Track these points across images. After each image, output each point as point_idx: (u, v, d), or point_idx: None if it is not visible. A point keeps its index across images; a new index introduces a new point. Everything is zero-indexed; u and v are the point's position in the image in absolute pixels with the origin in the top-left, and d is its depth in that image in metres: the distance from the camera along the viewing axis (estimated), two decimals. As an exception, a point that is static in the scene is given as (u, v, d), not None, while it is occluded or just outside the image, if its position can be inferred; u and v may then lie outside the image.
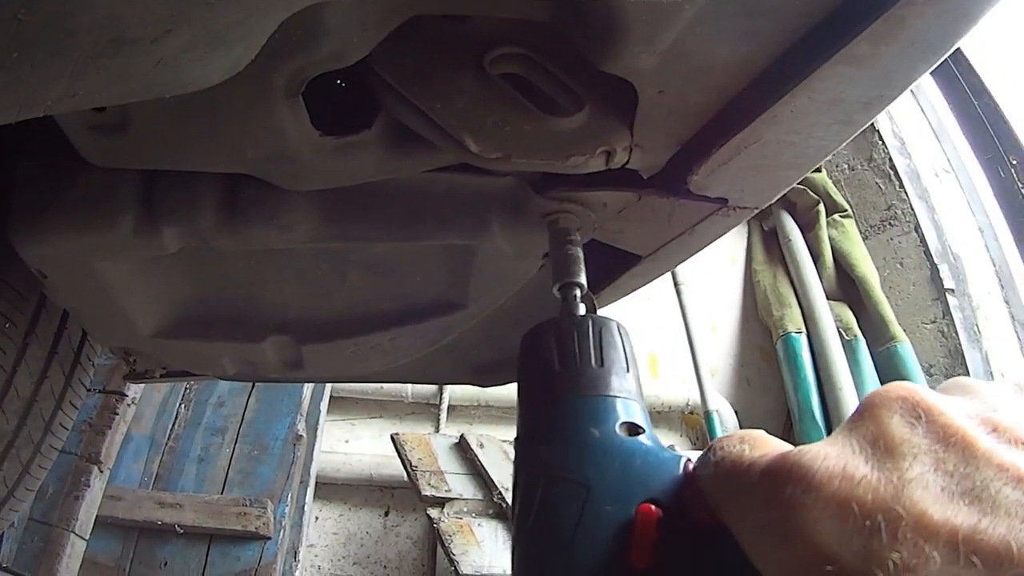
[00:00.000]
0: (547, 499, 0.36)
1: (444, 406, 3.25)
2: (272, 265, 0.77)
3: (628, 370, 0.42)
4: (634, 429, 0.38)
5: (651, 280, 0.78)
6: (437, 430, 3.23)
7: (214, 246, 0.64)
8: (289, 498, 2.51)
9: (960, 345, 2.94)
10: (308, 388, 2.72)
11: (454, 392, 3.24)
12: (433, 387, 3.23)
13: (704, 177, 0.56)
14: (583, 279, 0.54)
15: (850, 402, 2.82)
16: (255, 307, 0.83)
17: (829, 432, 1.67)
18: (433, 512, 2.66)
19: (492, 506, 2.74)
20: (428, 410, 3.34)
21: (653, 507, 0.33)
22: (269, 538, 2.41)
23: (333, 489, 3.05)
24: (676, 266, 0.72)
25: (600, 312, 0.50)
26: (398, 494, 3.22)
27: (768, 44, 0.45)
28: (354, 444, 3.19)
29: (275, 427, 2.62)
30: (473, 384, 1.05)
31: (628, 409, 0.39)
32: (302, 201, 0.63)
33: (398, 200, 0.63)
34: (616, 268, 0.74)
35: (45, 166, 0.67)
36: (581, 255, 0.55)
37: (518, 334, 0.47)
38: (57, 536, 2.09)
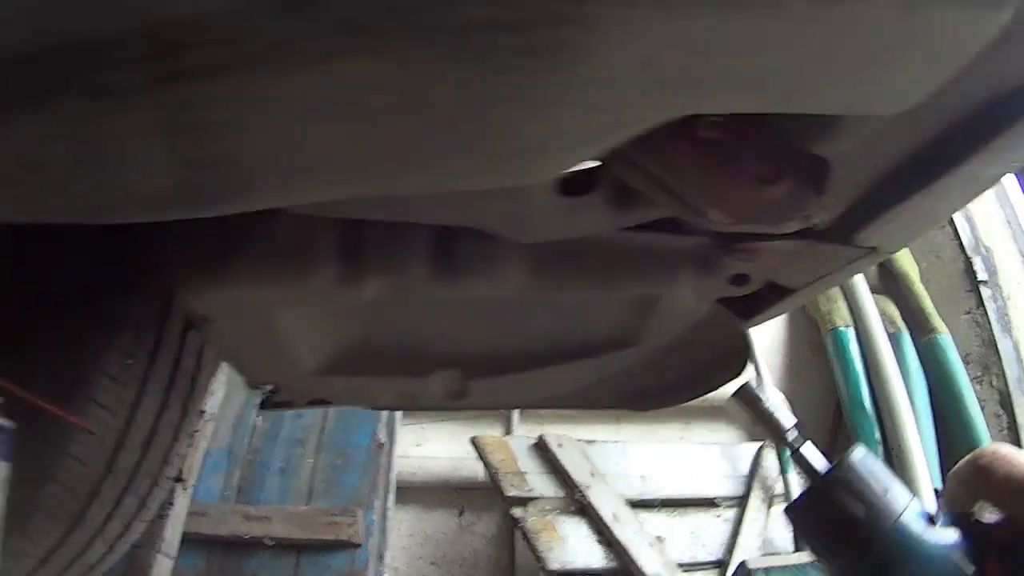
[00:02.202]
0: None
1: (515, 410, 3.22)
2: (446, 305, 0.77)
3: (891, 489, 0.50)
4: (928, 517, 0.48)
5: (793, 308, 0.85)
6: (507, 432, 3.21)
7: (419, 295, 0.64)
8: (376, 505, 2.50)
9: (993, 335, 3.09)
10: (384, 394, 2.70)
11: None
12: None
13: (868, 233, 0.64)
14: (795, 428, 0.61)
15: (898, 393, 2.89)
16: (424, 343, 0.83)
17: (880, 422, 2.52)
18: (516, 511, 2.65)
19: (573, 503, 2.73)
20: (497, 412, 3.32)
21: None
22: (359, 545, 2.40)
23: (408, 492, 3.03)
24: (815, 295, 0.81)
25: None
26: (472, 494, 3.21)
27: (932, 130, 0.53)
28: (426, 448, 3.18)
29: (355, 435, 2.60)
30: (628, 408, 1.07)
31: (919, 504, 0.49)
32: (514, 252, 0.64)
33: (598, 253, 0.66)
34: (769, 299, 0.79)
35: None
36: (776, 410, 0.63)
37: (669, 360, 0.54)
38: (144, 557, 2.09)
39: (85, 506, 1.25)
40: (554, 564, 2.53)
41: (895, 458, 2.80)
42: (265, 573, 2.36)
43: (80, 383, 1.17)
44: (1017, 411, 2.98)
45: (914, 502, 0.49)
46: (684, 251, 0.68)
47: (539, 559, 2.53)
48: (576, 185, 0.54)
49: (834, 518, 0.49)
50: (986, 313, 3.13)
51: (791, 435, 0.58)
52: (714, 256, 0.68)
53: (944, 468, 2.82)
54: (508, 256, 0.64)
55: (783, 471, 2.91)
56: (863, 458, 0.51)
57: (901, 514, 0.47)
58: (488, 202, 0.54)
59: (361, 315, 0.80)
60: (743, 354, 0.89)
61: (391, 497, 2.64)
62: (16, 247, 1.16)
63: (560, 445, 2.85)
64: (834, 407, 3.33)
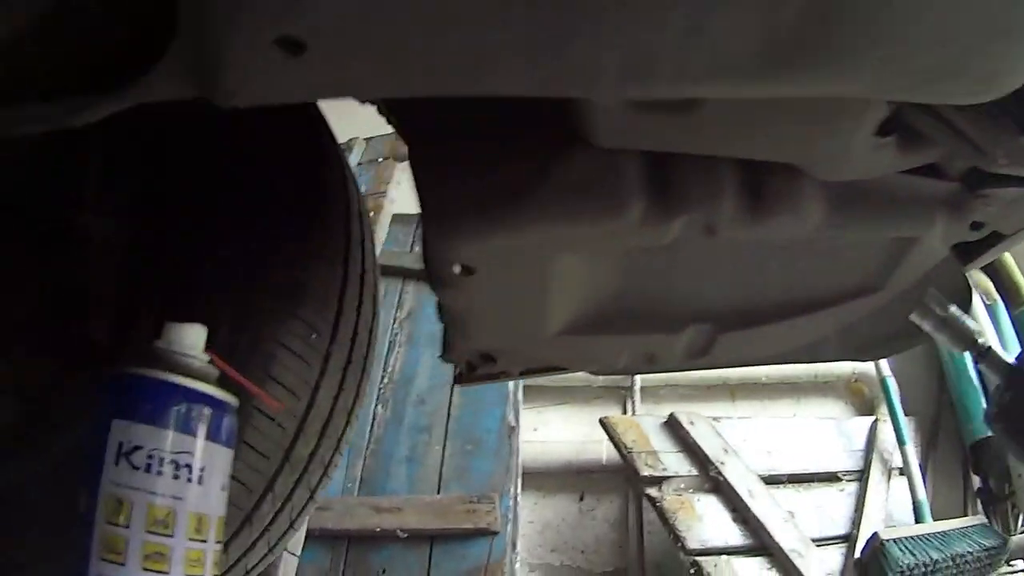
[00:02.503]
0: None
1: (637, 388, 3.08)
2: (696, 256, 0.73)
3: None
4: None
5: (997, 256, 0.84)
6: (624, 412, 3.09)
7: (718, 237, 0.62)
8: (512, 491, 2.39)
9: None
10: (510, 377, 2.58)
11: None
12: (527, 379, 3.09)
13: None
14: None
15: None
16: (676, 298, 0.80)
17: (986, 393, 2.37)
18: (652, 491, 2.52)
19: (708, 481, 2.59)
20: (616, 393, 3.20)
21: None
22: (496, 533, 2.29)
23: (527, 478, 2.92)
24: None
25: None
26: (592, 479, 3.10)
27: None
28: (543, 431, 3.07)
29: (484, 420, 2.50)
30: (855, 360, 1.16)
31: None
32: (814, 192, 0.63)
33: (876, 195, 0.66)
34: (986, 245, 0.80)
35: (504, 150, 0.60)
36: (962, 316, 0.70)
37: (898, 309, 0.65)
38: (267, 556, 2.00)
39: (257, 503, 1.11)
40: (693, 543, 2.41)
41: None
42: (396, 565, 2.27)
43: (261, 360, 1.05)
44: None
45: None
46: (941, 196, 0.69)
47: (678, 539, 2.41)
48: (885, 127, 0.55)
49: None
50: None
51: (980, 339, 0.62)
52: (964, 201, 0.70)
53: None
54: (810, 195, 0.64)
55: (900, 443, 2.81)
56: None
57: None
58: (815, 137, 0.54)
59: (622, 267, 0.75)
60: (968, 299, 0.89)
61: (519, 483, 2.53)
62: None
63: (692, 423, 2.70)
64: (936, 380, 3.26)
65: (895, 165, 0.62)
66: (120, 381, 0.62)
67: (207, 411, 0.63)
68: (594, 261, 0.73)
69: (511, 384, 2.59)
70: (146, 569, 0.56)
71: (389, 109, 0.69)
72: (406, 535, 2.25)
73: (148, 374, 0.62)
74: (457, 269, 0.66)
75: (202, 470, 0.61)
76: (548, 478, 3.05)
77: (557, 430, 3.09)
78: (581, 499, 3.12)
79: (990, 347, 0.62)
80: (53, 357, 0.93)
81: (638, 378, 3.10)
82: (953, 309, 0.74)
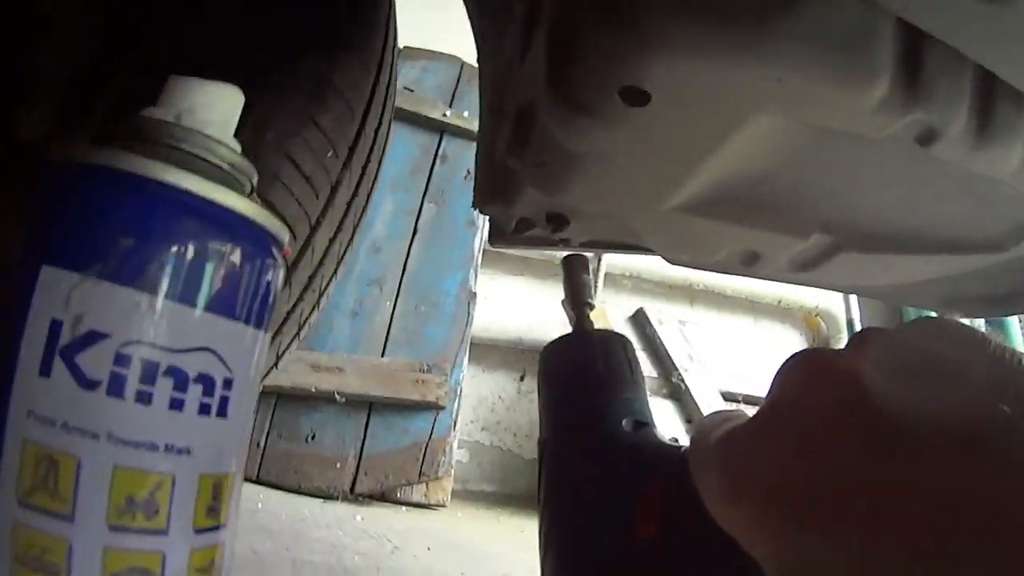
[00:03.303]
0: (576, 476, 0.43)
1: (601, 274, 2.83)
2: (866, 162, 0.65)
3: (634, 377, 0.50)
4: (641, 425, 0.45)
5: None
6: (583, 293, 2.86)
7: (929, 148, 0.52)
8: (464, 363, 2.14)
9: None
10: (478, 239, 2.28)
11: (608, 259, 2.85)
12: (589, 252, 2.85)
13: None
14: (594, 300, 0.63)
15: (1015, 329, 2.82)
16: (812, 199, 0.72)
17: None
18: (608, 389, 2.33)
19: (667, 385, 2.43)
20: (577, 273, 2.95)
21: (656, 487, 0.37)
22: (443, 408, 2.06)
23: (471, 348, 2.70)
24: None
25: None
26: (536, 358, 2.89)
27: None
28: (493, 301, 2.79)
29: (443, 281, 2.20)
30: (941, 312, 1.03)
31: (639, 409, 0.48)
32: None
33: None
34: None
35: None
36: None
37: (1005, 273, 0.68)
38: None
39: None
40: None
41: None
42: (327, 433, 2.00)
43: (263, 180, 0.73)
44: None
45: (641, 405, 0.48)
46: None
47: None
48: None
49: (582, 359, 0.50)
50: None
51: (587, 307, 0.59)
52: None
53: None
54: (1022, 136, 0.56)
55: None
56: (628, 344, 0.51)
57: (617, 396, 0.47)
58: None
59: (792, 148, 0.63)
60: None
61: (467, 356, 2.28)
62: None
63: (660, 322, 2.50)
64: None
65: None
66: (64, 182, 0.27)
67: (247, 259, 0.30)
68: (773, 133, 0.60)
69: (476, 245, 2.30)
70: (112, 609, 0.25)
71: None
72: (343, 399, 1.97)
73: (130, 168, 0.27)
74: (623, 93, 0.50)
75: (228, 385, 0.29)
76: (491, 351, 2.82)
77: (508, 302, 2.84)
78: (521, 379, 2.92)
79: (590, 314, 0.60)
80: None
81: (603, 264, 2.85)
82: (588, 276, 0.71)
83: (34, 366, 0.25)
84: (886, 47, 0.49)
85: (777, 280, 0.95)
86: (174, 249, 0.28)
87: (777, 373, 0.31)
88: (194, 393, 0.28)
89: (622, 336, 0.54)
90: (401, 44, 2.56)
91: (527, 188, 0.73)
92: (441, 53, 2.43)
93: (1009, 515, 0.22)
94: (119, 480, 0.26)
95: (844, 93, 0.50)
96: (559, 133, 0.59)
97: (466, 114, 2.29)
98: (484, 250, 2.54)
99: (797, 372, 0.30)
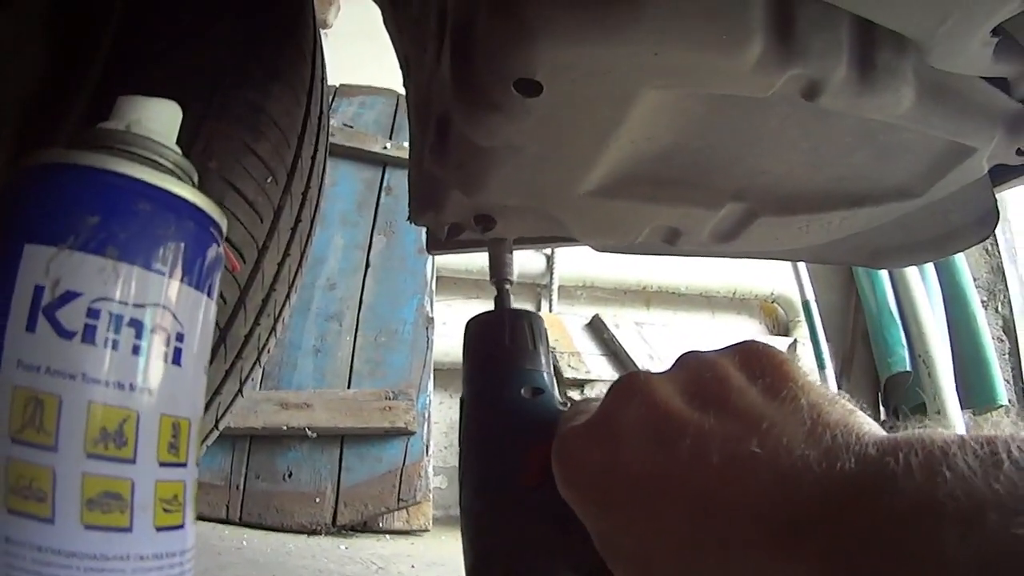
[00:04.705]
0: (481, 431, 0.51)
1: (555, 286, 2.91)
2: (761, 123, 0.68)
3: (536, 349, 0.56)
4: (538, 392, 0.53)
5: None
6: (539, 310, 2.92)
7: (816, 101, 0.57)
8: (430, 388, 2.18)
9: (1002, 263, 3.36)
10: (430, 265, 2.34)
11: (561, 272, 2.93)
12: (540, 266, 2.93)
13: None
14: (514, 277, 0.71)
15: (923, 302, 3.01)
16: (718, 168, 0.75)
17: (905, 328, 2.88)
18: (573, 395, 2.38)
19: (631, 387, 2.49)
20: (531, 290, 3.02)
21: (540, 444, 0.43)
22: (413, 433, 2.10)
23: (435, 375, 2.74)
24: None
25: None
26: (501, 378, 2.94)
27: None
28: (452, 327, 2.84)
29: (401, 310, 2.25)
30: (868, 267, 1.06)
31: (538, 378, 0.54)
32: (911, 76, 0.60)
33: (955, 95, 0.65)
34: (1018, 172, 0.82)
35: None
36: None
37: (925, 219, 0.77)
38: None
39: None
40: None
41: (922, 363, 2.79)
42: (304, 469, 2.03)
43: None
44: (1020, 337, 3.19)
45: (541, 375, 0.55)
46: (1007, 112, 0.69)
47: (600, 447, 2.29)
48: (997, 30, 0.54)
49: (494, 334, 0.56)
50: (997, 244, 3.32)
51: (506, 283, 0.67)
52: (1020, 125, 0.70)
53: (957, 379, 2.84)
54: (909, 79, 0.60)
55: (820, 367, 2.85)
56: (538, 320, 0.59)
57: (520, 368, 0.54)
58: (951, 13, 0.51)
59: (687, 119, 0.67)
60: (994, 220, 0.89)
61: (431, 380, 2.32)
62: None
63: (617, 326, 2.57)
64: (853, 310, 3.34)
65: (986, 69, 0.61)
66: (40, 179, 0.34)
67: (191, 234, 0.36)
68: (667, 107, 0.64)
69: (428, 272, 2.35)
70: (91, 526, 0.31)
71: None
72: (315, 435, 2.00)
73: (92, 163, 0.34)
74: (517, 85, 0.54)
75: (180, 338, 0.35)
76: (456, 377, 2.85)
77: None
78: (490, 400, 2.97)
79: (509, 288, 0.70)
80: None
81: (556, 276, 2.93)
82: (511, 255, 0.79)
83: (21, 324, 0.31)
84: (757, 9, 0.53)
85: (703, 255, 0.97)
86: (132, 225, 0.34)
87: (609, 388, 0.38)
88: (152, 341, 0.33)
89: (531, 313, 0.60)
90: (338, 82, 2.62)
91: (452, 193, 0.78)
92: (378, 88, 2.50)
93: (702, 491, 0.30)
94: (93, 414, 0.31)
95: (720, 57, 0.54)
96: (468, 130, 0.63)
97: (406, 145, 2.35)
98: (438, 277, 2.60)
99: (617, 387, 0.37)
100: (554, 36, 0.51)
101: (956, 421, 2.61)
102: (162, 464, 0.34)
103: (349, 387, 2.13)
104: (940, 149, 0.78)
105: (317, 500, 1.98)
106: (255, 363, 1.04)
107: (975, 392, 2.87)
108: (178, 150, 0.39)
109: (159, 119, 0.38)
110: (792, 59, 0.55)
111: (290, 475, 2.03)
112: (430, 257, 2.36)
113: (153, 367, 0.34)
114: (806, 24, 0.55)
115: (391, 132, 2.45)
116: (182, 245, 0.36)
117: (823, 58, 0.56)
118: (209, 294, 0.38)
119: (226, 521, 1.91)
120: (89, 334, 0.31)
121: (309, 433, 2.00)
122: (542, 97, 0.54)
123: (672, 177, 0.74)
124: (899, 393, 3.01)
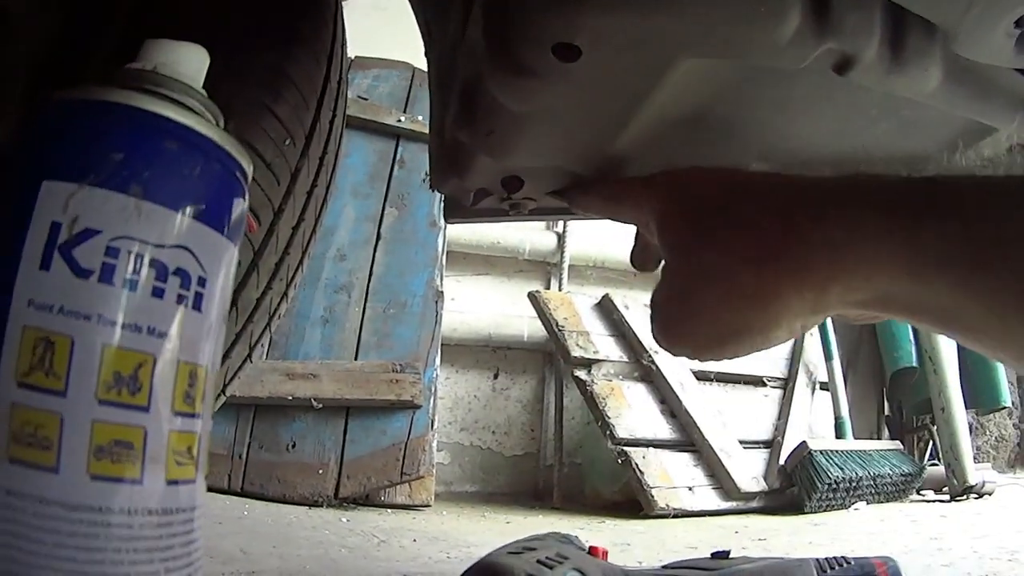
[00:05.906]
0: None
1: (566, 265, 2.88)
2: (779, 94, 0.69)
3: None
4: None
5: None
6: (548, 288, 2.90)
7: (847, 76, 0.58)
8: (437, 361, 2.17)
9: None
10: (441, 239, 2.32)
11: (572, 251, 2.91)
12: (551, 245, 2.90)
13: None
14: None
15: None
16: (745, 133, 0.76)
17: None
18: (581, 373, 2.37)
19: (640, 369, 2.48)
20: (542, 268, 2.99)
21: None
22: (419, 407, 2.08)
23: (442, 350, 2.73)
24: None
25: None
26: (508, 358, 2.93)
27: None
28: (461, 302, 2.83)
29: (411, 282, 2.23)
30: None
31: None
32: (939, 58, 0.61)
33: (979, 78, 0.65)
34: None
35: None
36: None
37: None
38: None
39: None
40: (622, 432, 2.29)
41: (928, 360, 2.72)
42: (308, 441, 2.02)
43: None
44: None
45: None
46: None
47: (606, 427, 2.28)
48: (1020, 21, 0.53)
49: None
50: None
51: None
52: None
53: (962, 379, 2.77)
54: (938, 61, 0.62)
55: (828, 357, 2.80)
56: None
57: None
58: (967, 4, 0.52)
59: (720, 87, 0.68)
60: None
61: (439, 354, 2.31)
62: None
63: (627, 307, 2.55)
64: None
65: (1009, 60, 0.61)
66: (61, 115, 0.32)
67: (217, 176, 0.34)
68: (700, 73, 0.64)
69: (439, 245, 2.33)
70: (98, 476, 0.29)
71: None
72: (320, 405, 1.99)
73: (118, 99, 0.32)
74: (556, 50, 0.54)
75: (202, 283, 0.33)
76: (463, 352, 2.86)
77: (476, 301, 2.87)
78: (495, 377, 2.95)
79: None
80: None
81: (567, 255, 2.91)
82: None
83: (35, 262, 0.29)
84: None
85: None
86: (156, 163, 0.32)
87: None
88: (173, 284, 0.32)
89: None
90: (353, 54, 2.59)
91: (479, 158, 0.76)
92: (393, 60, 2.47)
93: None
94: (107, 358, 0.30)
95: (758, 30, 0.54)
96: (503, 96, 0.62)
97: (420, 118, 2.33)
98: (448, 252, 2.58)
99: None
100: (600, 2, 0.50)
101: (960, 420, 2.59)
102: (177, 414, 0.32)
103: (356, 359, 2.12)
104: (961, 126, 0.79)
105: (320, 472, 1.98)
106: (265, 328, 1.03)
107: (980, 393, 2.84)
108: (205, 94, 0.37)
109: (187, 62, 0.36)
110: (827, 34, 0.56)
111: (293, 446, 2.02)
112: (441, 231, 2.34)
113: (172, 311, 0.32)
114: (842, 4, 0.56)
115: (405, 105, 2.42)
116: (208, 187, 0.34)
117: (856, 35, 0.56)
118: (233, 240, 0.36)
119: (228, 491, 1.91)
120: (107, 273, 0.30)
121: (315, 404, 1.99)
122: (579, 62, 0.53)
123: (700, 138, 0.74)
124: (904, 388, 2.98)
